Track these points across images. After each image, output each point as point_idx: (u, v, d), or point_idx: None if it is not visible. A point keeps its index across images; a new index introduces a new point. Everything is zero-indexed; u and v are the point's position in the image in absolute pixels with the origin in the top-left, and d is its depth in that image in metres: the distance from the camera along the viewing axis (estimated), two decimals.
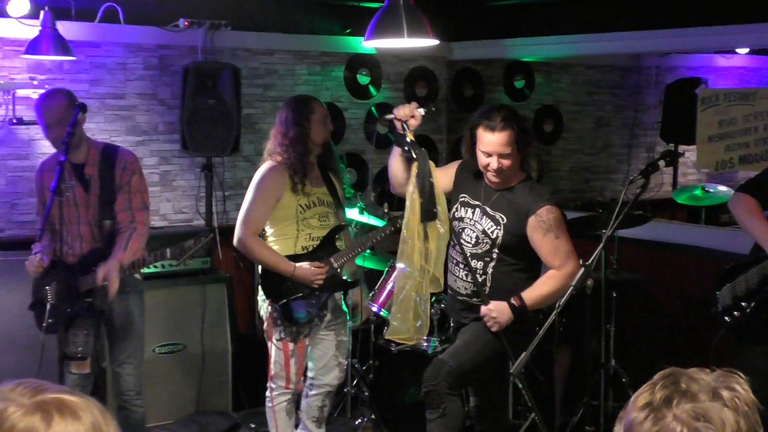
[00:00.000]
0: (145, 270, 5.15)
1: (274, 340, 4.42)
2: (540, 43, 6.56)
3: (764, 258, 3.61)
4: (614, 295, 5.28)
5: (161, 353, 5.40)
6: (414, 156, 3.51)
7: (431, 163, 3.58)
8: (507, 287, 3.83)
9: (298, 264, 4.29)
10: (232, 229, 6.06)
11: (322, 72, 6.56)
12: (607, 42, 6.03)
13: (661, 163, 3.44)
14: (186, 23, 5.76)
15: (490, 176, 3.84)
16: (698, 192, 6.23)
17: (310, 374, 4.60)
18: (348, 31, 6.62)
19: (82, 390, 4.24)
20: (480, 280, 3.84)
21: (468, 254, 3.86)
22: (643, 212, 5.60)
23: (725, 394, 1.38)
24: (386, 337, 4.27)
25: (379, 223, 5.40)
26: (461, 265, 3.91)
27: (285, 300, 4.35)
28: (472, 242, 3.89)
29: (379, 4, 3.74)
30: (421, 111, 3.61)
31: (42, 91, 5.31)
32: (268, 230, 4.43)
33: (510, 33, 6.72)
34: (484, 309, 3.82)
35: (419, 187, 3.48)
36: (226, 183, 6.12)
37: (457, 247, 3.92)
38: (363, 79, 6.72)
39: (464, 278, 3.91)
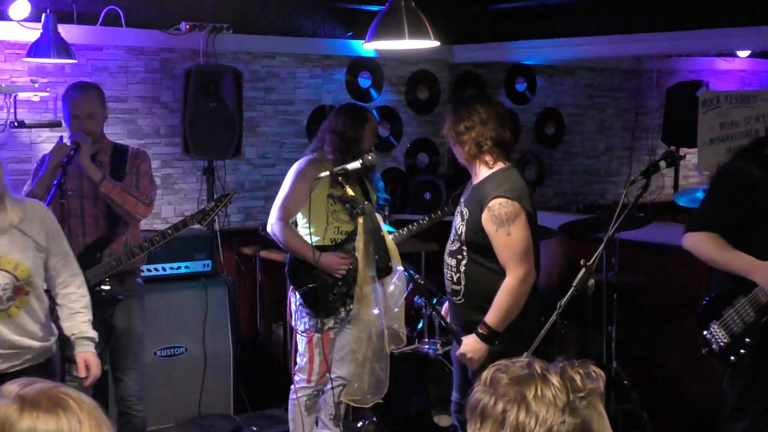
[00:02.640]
0: (146, 273, 5.19)
1: (299, 331, 4.50)
2: (541, 46, 6.58)
3: (748, 287, 3.49)
4: (615, 297, 5.28)
5: (163, 356, 5.40)
6: (359, 212, 3.51)
7: (377, 216, 3.61)
8: (481, 286, 3.73)
9: (323, 253, 4.36)
10: (234, 232, 6.16)
11: (323, 75, 6.56)
12: (609, 45, 6.04)
13: (662, 163, 3.43)
14: (187, 26, 5.77)
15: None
16: (699, 195, 6.22)
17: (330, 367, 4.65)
18: (349, 34, 6.63)
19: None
20: (455, 278, 3.83)
21: (447, 251, 3.88)
22: (645, 215, 5.60)
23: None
24: (343, 397, 4.29)
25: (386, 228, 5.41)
26: (444, 264, 3.93)
27: (308, 287, 4.42)
28: (450, 239, 3.89)
29: (381, 7, 3.75)
30: (356, 164, 3.65)
31: (45, 93, 5.33)
32: (300, 220, 4.55)
33: (511, 36, 6.73)
34: (458, 352, 3.80)
35: (371, 242, 3.47)
36: (228, 186, 6.11)
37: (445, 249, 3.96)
38: (364, 82, 6.72)
39: (447, 277, 3.92)
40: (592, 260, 3.16)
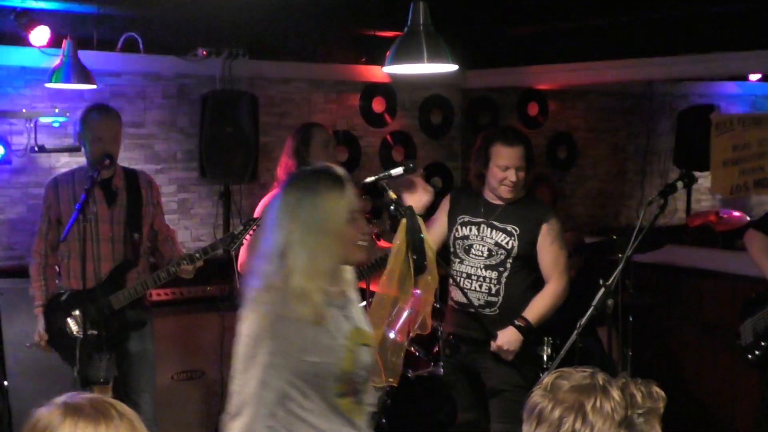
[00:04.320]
0: (164, 297, 5.25)
1: None
2: (554, 71, 6.66)
3: None
4: (631, 319, 5.30)
5: (180, 380, 5.44)
6: (401, 214, 3.55)
7: (420, 219, 3.65)
8: (519, 296, 4.05)
9: None
10: None
11: (337, 100, 6.65)
12: (621, 69, 6.12)
13: (679, 184, 3.50)
14: (204, 53, 5.86)
15: (505, 191, 4.02)
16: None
17: None
18: (363, 59, 6.71)
19: None
20: (494, 289, 3.99)
21: (482, 266, 4.02)
22: (660, 237, 5.65)
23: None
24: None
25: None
26: (473, 278, 4.07)
27: None
28: (485, 255, 4.05)
29: (395, 31, 3.84)
30: (399, 170, 3.69)
31: (64, 119, 5.42)
32: None
33: (524, 61, 6.80)
34: (494, 346, 3.98)
35: (410, 242, 3.53)
36: (244, 211, 6.16)
37: (466, 262, 4.06)
38: (378, 107, 6.80)
39: (477, 289, 4.07)
40: (611, 280, 3.21)
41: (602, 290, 3.18)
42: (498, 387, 4.14)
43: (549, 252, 4.07)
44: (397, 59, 3.39)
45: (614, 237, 5.24)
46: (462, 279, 4.16)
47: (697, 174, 7.42)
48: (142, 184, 4.58)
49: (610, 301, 3.10)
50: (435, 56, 3.36)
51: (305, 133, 4.64)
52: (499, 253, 4.10)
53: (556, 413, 1.49)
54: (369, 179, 3.60)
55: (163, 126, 6.01)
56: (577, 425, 1.47)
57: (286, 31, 6.44)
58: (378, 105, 6.80)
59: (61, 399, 1.66)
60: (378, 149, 6.83)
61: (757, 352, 3.88)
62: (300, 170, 2.66)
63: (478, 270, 4.12)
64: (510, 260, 4.10)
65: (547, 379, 1.55)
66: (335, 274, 2.56)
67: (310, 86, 6.53)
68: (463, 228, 4.18)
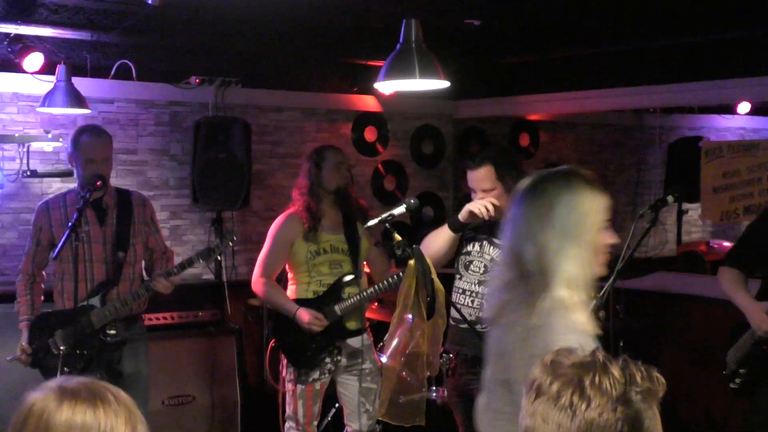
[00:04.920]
0: (155, 321, 5.24)
1: (285, 381, 4.56)
2: (545, 100, 6.73)
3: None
4: (621, 344, 5.31)
5: (171, 405, 5.41)
6: (409, 255, 3.54)
7: (429, 261, 3.63)
8: None
9: (300, 308, 4.40)
10: (241, 283, 6.20)
11: (329, 129, 6.70)
12: (610, 98, 6.20)
13: (670, 198, 3.53)
14: (197, 80, 5.91)
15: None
16: None
17: (345, 419, 4.71)
18: (355, 89, 6.77)
19: None
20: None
21: (476, 281, 3.94)
22: (650, 265, 5.69)
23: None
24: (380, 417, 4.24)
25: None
26: (467, 293, 3.99)
27: (283, 341, 4.55)
28: (481, 271, 3.97)
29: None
30: (402, 209, 3.71)
31: (57, 143, 5.44)
32: (289, 274, 4.65)
33: (515, 91, 6.88)
34: None
35: (422, 285, 3.51)
36: (237, 238, 6.15)
37: (464, 278, 4.01)
38: (370, 136, 6.85)
39: (470, 305, 3.98)
40: (602, 292, 3.23)
41: (593, 302, 3.19)
42: None
43: None
44: (390, 75, 3.44)
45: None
46: (458, 295, 4.11)
47: (687, 206, 7.56)
48: (135, 203, 4.58)
49: (601, 313, 3.11)
50: (427, 72, 3.41)
51: (318, 154, 4.68)
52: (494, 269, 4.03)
53: (555, 387, 1.50)
54: (372, 221, 3.63)
55: (155, 153, 6.04)
56: (575, 399, 1.48)
57: (279, 60, 6.50)
58: (370, 134, 6.85)
59: (53, 383, 1.64)
60: (370, 178, 6.87)
61: (737, 380, 3.91)
62: (543, 172, 2.39)
63: (473, 285, 4.01)
64: None
65: (547, 356, 1.57)
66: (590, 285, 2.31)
67: (303, 115, 6.58)
68: (467, 244, 4.10)
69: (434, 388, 5.45)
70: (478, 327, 3.87)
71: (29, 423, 1.56)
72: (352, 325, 4.56)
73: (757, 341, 3.81)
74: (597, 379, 1.48)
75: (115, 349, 4.41)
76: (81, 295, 4.36)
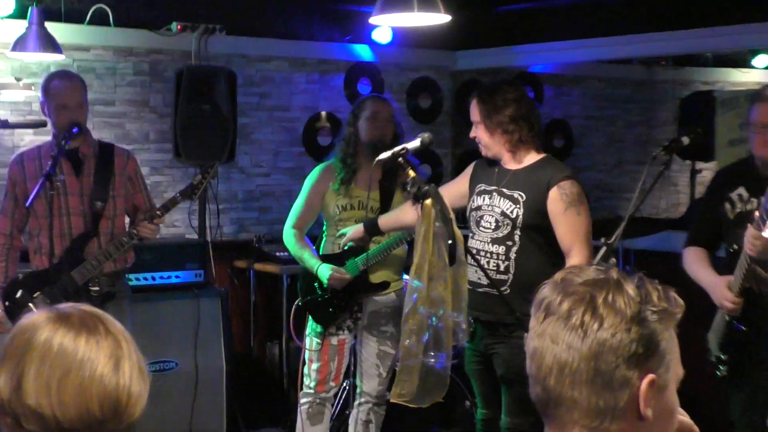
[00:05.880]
0: (134, 282, 5.19)
1: (305, 336, 4.66)
2: (549, 50, 6.65)
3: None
4: None
5: (152, 371, 5.35)
6: (424, 194, 3.45)
7: (445, 201, 3.53)
8: (532, 273, 3.73)
9: (322, 264, 4.40)
10: (226, 244, 6.17)
11: (320, 80, 6.63)
12: (620, 46, 6.12)
13: (685, 139, 3.47)
14: (179, 27, 5.83)
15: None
16: None
17: (356, 377, 4.75)
18: (348, 37, 6.70)
19: None
20: (503, 266, 3.81)
21: (489, 239, 3.84)
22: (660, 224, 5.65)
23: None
24: (392, 398, 4.06)
25: None
26: (481, 254, 3.86)
27: (305, 299, 4.59)
28: (492, 227, 3.85)
29: None
30: (416, 143, 3.65)
31: (30, 92, 5.37)
32: (324, 228, 4.75)
33: (518, 40, 6.80)
34: None
35: (441, 227, 3.41)
36: (221, 196, 6.13)
37: (476, 237, 3.91)
38: (363, 88, 6.78)
39: (485, 266, 3.84)
40: (613, 238, 3.18)
41: (603, 249, 3.13)
42: (508, 377, 3.86)
43: (563, 221, 3.73)
44: (385, 8, 3.37)
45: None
46: (473, 256, 4.01)
47: (701, 165, 7.50)
48: (117, 153, 4.53)
49: (612, 260, 3.06)
50: (426, 5, 3.33)
51: (358, 104, 4.72)
52: (506, 223, 3.82)
53: (565, 305, 1.47)
54: (385, 155, 3.56)
55: (134, 104, 5.97)
56: (587, 318, 1.44)
57: (266, 6, 6.42)
58: (363, 87, 6.78)
59: (56, 306, 1.65)
60: None
61: (722, 368, 3.71)
62: None
63: (486, 245, 3.88)
64: (517, 232, 3.81)
65: (558, 274, 1.53)
66: None
67: (292, 65, 6.51)
68: (478, 198, 3.98)
69: (432, 353, 5.43)
70: (500, 290, 3.77)
71: (16, 337, 1.58)
72: (376, 278, 4.54)
73: (729, 321, 3.63)
74: (610, 297, 1.45)
75: (101, 305, 4.36)
76: (57, 251, 4.31)
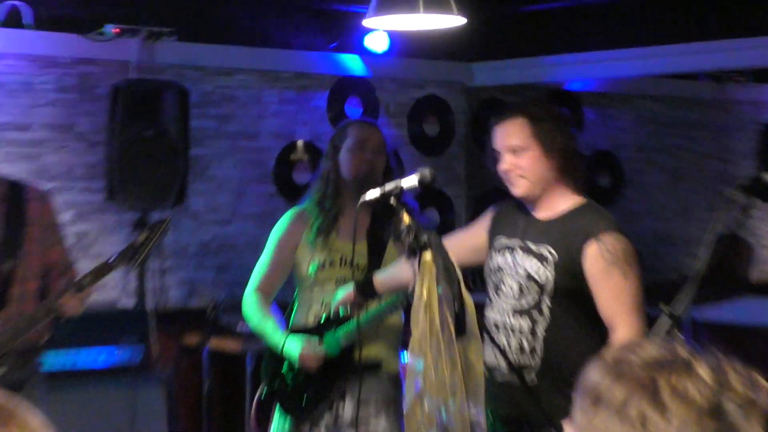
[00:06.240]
0: (51, 367, 5.19)
1: None
2: (591, 61, 6.74)
3: None
4: None
5: None
6: (422, 245, 3.45)
7: (446, 251, 3.52)
8: (567, 355, 3.73)
9: (290, 338, 4.43)
10: (173, 314, 6.20)
11: (297, 100, 6.72)
12: (685, 56, 6.20)
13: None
14: (116, 30, 5.91)
15: (509, 186, 3.87)
16: None
17: None
18: (333, 45, 6.78)
19: None
20: (528, 346, 3.80)
21: (510, 310, 3.84)
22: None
23: None
24: None
25: None
26: (500, 329, 3.86)
27: (276, 384, 4.58)
28: (515, 294, 3.84)
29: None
30: (413, 180, 3.62)
31: None
32: (296, 293, 4.75)
33: (550, 49, 6.89)
34: None
35: (445, 287, 3.40)
36: (166, 250, 6.17)
37: (495, 306, 3.90)
38: (353, 110, 6.86)
39: (505, 345, 3.85)
40: (676, 305, 3.24)
41: (663, 320, 3.18)
42: None
43: (604, 284, 3.70)
44: (382, 8, 3.45)
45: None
46: (490, 332, 3.99)
47: None
48: (31, 198, 4.54)
49: (677, 335, 3.11)
50: (434, 4, 3.41)
51: (339, 131, 4.74)
52: (531, 289, 3.83)
53: (620, 393, 1.47)
54: (372, 193, 3.55)
55: (56, 129, 6.03)
56: (647, 409, 1.45)
57: (229, 6, 6.51)
58: (353, 108, 6.86)
59: None
60: None
61: None
62: None
63: (507, 317, 3.84)
64: (547, 300, 3.76)
65: (609, 352, 1.55)
66: None
67: (261, 80, 6.61)
68: (498, 255, 3.98)
69: None
70: (525, 380, 3.76)
71: None
72: (364, 357, 4.54)
73: None
74: (678, 382, 1.46)
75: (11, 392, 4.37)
76: None
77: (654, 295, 4.25)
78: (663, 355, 1.51)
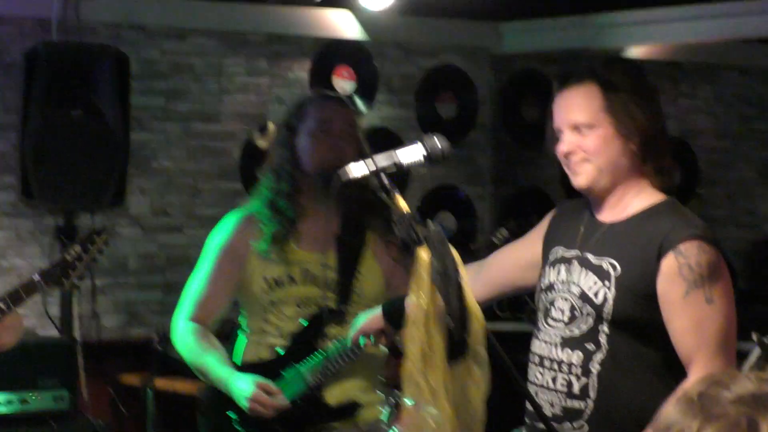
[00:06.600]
0: None
1: None
2: (656, 21, 6.76)
3: None
4: None
5: None
6: (419, 239, 3.40)
7: (454, 251, 3.44)
8: (629, 401, 3.72)
9: (239, 378, 4.42)
10: (108, 347, 6.23)
11: (271, 70, 6.77)
12: None
13: None
14: None
15: (570, 175, 3.80)
16: None
17: None
18: None
19: None
20: (578, 386, 3.79)
21: (558, 340, 3.82)
22: None
23: None
24: None
25: None
26: (545, 363, 3.85)
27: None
28: (566, 318, 3.81)
29: None
30: (414, 152, 3.50)
31: None
32: (241, 319, 4.71)
33: (602, 5, 6.91)
34: None
35: (442, 295, 3.38)
36: (99, 265, 6.18)
37: (542, 334, 3.88)
38: (344, 83, 6.90)
39: (550, 386, 3.83)
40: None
41: (757, 352, 3.21)
42: None
43: (683, 311, 3.62)
44: None
45: None
46: (533, 369, 3.96)
47: None
48: None
49: None
50: None
51: (295, 110, 4.70)
52: (586, 313, 3.81)
53: None
54: (358, 169, 3.44)
55: None
56: None
57: None
58: (344, 80, 6.90)
59: None
60: None
61: None
62: None
63: (553, 349, 3.87)
64: (604, 328, 3.70)
65: (692, 386, 1.58)
66: None
67: (222, 44, 6.67)
68: (551, 270, 3.92)
69: None
70: (567, 427, 3.76)
71: None
72: (337, 398, 4.57)
73: None
74: None
75: None
76: None
77: (745, 321, 4.26)
78: (763, 390, 1.53)
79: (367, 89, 6.98)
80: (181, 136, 6.59)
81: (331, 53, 6.91)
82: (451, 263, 3.23)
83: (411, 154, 3.35)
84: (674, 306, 3.59)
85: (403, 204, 3.26)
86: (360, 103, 6.94)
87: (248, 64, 6.73)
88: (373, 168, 3.32)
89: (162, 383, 6.09)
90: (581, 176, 3.66)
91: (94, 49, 5.99)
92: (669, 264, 3.57)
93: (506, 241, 3.63)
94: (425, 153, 3.34)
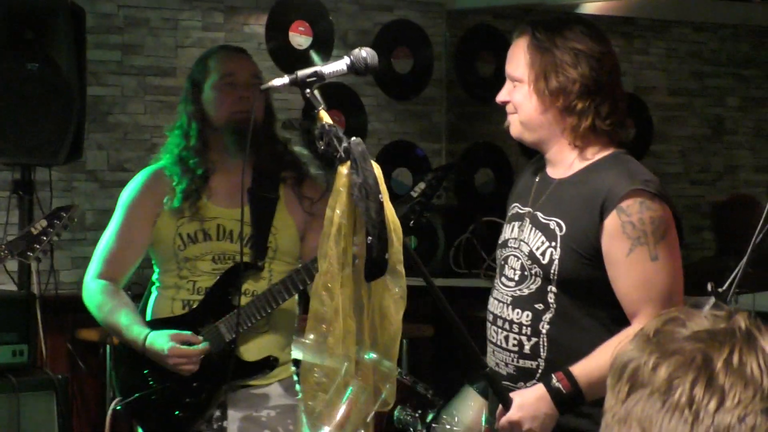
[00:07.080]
0: None
1: None
2: None
3: None
4: None
5: None
6: (340, 155, 3.39)
7: (376, 167, 3.44)
8: (578, 357, 3.69)
9: (153, 333, 4.43)
10: (66, 302, 6.23)
11: (227, 26, 6.79)
12: None
13: None
14: None
15: (508, 127, 3.83)
16: None
17: None
18: None
19: None
20: (528, 346, 3.81)
21: (509, 299, 3.83)
22: None
23: None
24: None
25: None
26: (498, 323, 3.86)
27: (132, 396, 4.56)
28: (516, 277, 3.83)
29: None
30: (340, 65, 3.50)
31: None
32: (154, 276, 4.72)
33: None
34: (503, 421, 3.72)
35: (361, 210, 3.38)
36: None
37: (495, 293, 3.90)
38: (300, 38, 6.91)
39: (504, 345, 3.85)
40: (727, 286, 3.32)
41: (711, 302, 3.24)
42: None
43: (626, 269, 3.64)
44: None
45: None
46: (489, 325, 3.97)
47: None
48: None
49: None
50: None
51: (199, 65, 4.72)
52: (534, 273, 3.77)
53: (663, 372, 1.49)
54: (279, 80, 3.43)
55: None
56: (698, 391, 1.46)
57: None
58: (299, 36, 6.92)
59: None
60: (299, 114, 6.92)
61: None
62: None
63: (505, 308, 3.88)
64: (552, 288, 3.73)
65: (649, 323, 1.56)
66: None
67: None
68: (507, 227, 3.91)
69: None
70: (522, 386, 3.77)
71: None
72: (253, 353, 4.58)
73: None
74: (736, 358, 1.46)
75: None
76: None
77: (694, 279, 4.29)
78: (718, 326, 1.50)
79: (323, 45, 7.01)
80: (138, 91, 6.59)
81: (287, 8, 6.95)
82: (372, 178, 3.22)
83: (335, 65, 3.33)
84: (619, 265, 3.62)
85: (327, 118, 3.24)
86: (316, 58, 6.97)
87: (204, 19, 6.74)
88: (291, 79, 3.28)
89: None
90: (512, 126, 3.74)
91: (50, 3, 5.97)
92: (612, 223, 3.59)
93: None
94: (348, 63, 3.31)
